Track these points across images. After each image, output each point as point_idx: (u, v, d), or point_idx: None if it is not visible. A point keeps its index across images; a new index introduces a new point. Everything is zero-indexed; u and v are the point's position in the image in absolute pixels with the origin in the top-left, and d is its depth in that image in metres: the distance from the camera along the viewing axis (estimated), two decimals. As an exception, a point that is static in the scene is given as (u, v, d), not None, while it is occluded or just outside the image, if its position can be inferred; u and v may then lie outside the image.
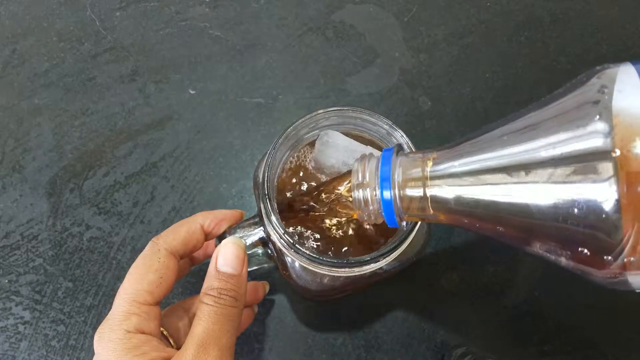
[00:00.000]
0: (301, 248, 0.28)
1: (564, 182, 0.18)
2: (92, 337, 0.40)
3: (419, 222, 0.29)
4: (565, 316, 0.42)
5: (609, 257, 0.18)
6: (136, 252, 0.43)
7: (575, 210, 0.18)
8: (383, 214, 0.26)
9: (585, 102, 0.19)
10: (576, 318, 0.42)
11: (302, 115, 0.31)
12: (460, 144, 0.24)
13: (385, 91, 0.48)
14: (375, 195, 0.25)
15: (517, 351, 0.41)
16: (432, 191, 0.24)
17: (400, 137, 0.30)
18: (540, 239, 0.21)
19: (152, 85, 0.48)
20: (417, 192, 0.24)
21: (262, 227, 0.32)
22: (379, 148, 0.33)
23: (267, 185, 0.29)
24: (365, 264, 0.28)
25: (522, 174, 0.20)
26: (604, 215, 0.17)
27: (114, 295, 0.29)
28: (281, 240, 0.28)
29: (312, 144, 0.34)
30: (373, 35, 0.50)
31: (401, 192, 0.25)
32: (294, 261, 0.30)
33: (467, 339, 0.41)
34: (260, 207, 0.30)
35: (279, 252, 0.31)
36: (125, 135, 0.47)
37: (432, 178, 0.24)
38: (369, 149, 0.32)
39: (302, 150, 0.34)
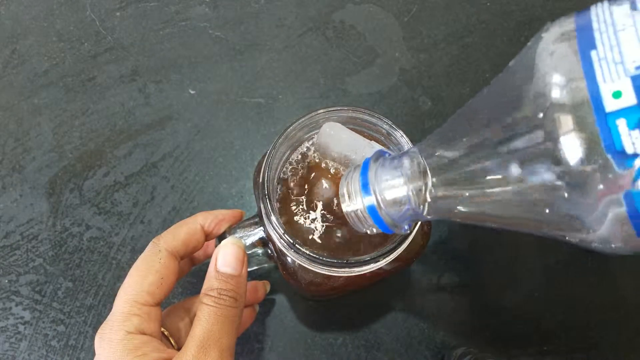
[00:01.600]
0: (301, 248, 0.28)
1: (533, 150, 0.18)
2: (92, 337, 0.40)
3: (418, 223, 0.29)
4: (565, 316, 0.42)
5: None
6: (136, 252, 0.43)
7: (548, 173, 0.18)
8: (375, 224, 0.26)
9: (539, 60, 0.18)
10: (576, 318, 0.42)
11: (302, 115, 0.31)
12: (431, 139, 0.24)
13: (385, 91, 0.48)
14: (362, 206, 0.25)
15: (517, 351, 0.41)
16: (414, 188, 0.24)
17: (400, 137, 0.30)
18: (532, 217, 0.20)
19: (152, 85, 0.48)
20: (400, 193, 0.24)
21: (262, 227, 0.32)
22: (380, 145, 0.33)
23: (267, 185, 0.29)
24: (365, 264, 0.28)
25: (491, 152, 0.20)
26: (571, 173, 0.17)
27: (114, 296, 0.29)
28: (281, 240, 0.28)
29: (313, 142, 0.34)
30: (373, 35, 0.50)
31: (384, 197, 0.25)
32: (294, 261, 0.30)
33: (467, 339, 0.41)
34: (260, 207, 0.30)
35: (279, 252, 0.31)
36: (125, 135, 0.47)
37: (411, 177, 0.24)
38: (371, 144, 0.32)
39: (303, 149, 0.34)
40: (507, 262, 0.43)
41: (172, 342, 0.31)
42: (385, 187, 0.25)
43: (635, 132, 0.15)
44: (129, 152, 0.46)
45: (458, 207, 0.23)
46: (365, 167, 0.26)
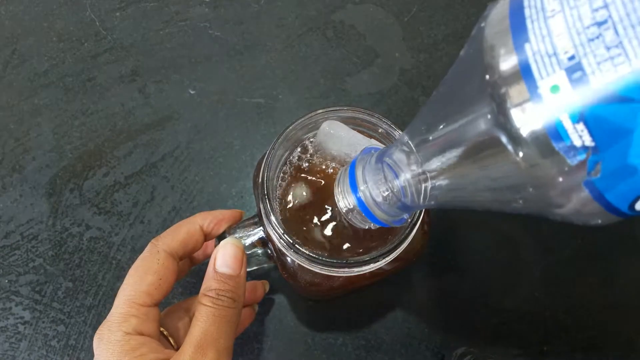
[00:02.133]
0: (301, 248, 0.28)
1: (489, 126, 0.18)
2: (92, 337, 0.40)
3: (418, 223, 0.29)
4: (565, 316, 0.42)
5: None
6: (136, 252, 0.43)
7: (515, 149, 0.17)
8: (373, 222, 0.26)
9: (487, 34, 0.18)
10: (576, 318, 0.42)
11: (302, 115, 0.31)
12: (411, 127, 0.24)
13: (385, 91, 0.48)
14: (354, 205, 0.26)
15: (517, 351, 0.41)
16: (403, 179, 0.24)
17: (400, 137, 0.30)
18: (503, 195, 0.20)
19: (152, 85, 0.48)
20: (387, 187, 0.24)
21: (261, 227, 0.32)
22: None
23: (266, 185, 0.29)
24: (365, 264, 0.28)
25: (457, 131, 0.19)
26: (525, 149, 0.16)
27: (114, 296, 0.29)
28: (280, 240, 0.28)
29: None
30: (373, 35, 0.50)
31: (371, 193, 0.25)
32: (294, 261, 0.30)
33: (467, 339, 0.41)
34: (260, 207, 0.30)
35: (279, 252, 0.31)
36: (125, 135, 0.47)
37: (398, 168, 0.24)
38: (371, 142, 0.32)
39: (302, 149, 0.34)
40: (507, 262, 0.43)
41: (172, 342, 0.31)
42: (373, 183, 0.25)
43: (580, 125, 0.15)
44: (129, 152, 0.46)
45: (447, 191, 0.23)
46: (352, 166, 0.26)
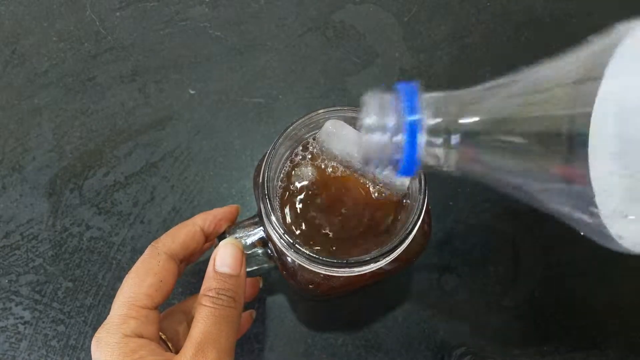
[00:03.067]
0: (301, 248, 0.28)
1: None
2: (92, 337, 0.40)
3: (418, 222, 0.28)
4: (565, 316, 0.42)
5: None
6: (136, 252, 0.43)
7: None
8: (403, 161, 0.22)
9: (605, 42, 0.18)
10: (576, 318, 0.42)
11: (302, 115, 0.31)
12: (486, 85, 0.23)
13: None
14: (399, 138, 0.22)
15: (517, 351, 0.41)
16: (462, 128, 0.22)
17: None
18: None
19: (152, 85, 0.48)
20: (443, 134, 0.22)
21: (262, 227, 0.32)
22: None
23: (266, 185, 0.29)
24: (365, 264, 0.28)
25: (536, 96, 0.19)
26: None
27: (114, 296, 0.29)
28: (281, 240, 0.28)
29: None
30: (373, 35, 0.50)
31: (427, 135, 0.21)
32: (294, 261, 0.30)
33: (467, 339, 0.41)
34: (260, 207, 0.30)
35: (279, 252, 0.31)
36: (125, 135, 0.47)
37: (464, 116, 0.22)
38: None
39: (303, 148, 0.34)
40: (507, 262, 0.43)
41: (170, 346, 0.31)
42: (429, 114, 0.21)
43: None
44: (129, 152, 0.46)
45: (479, 161, 0.21)
46: (410, 94, 0.22)
